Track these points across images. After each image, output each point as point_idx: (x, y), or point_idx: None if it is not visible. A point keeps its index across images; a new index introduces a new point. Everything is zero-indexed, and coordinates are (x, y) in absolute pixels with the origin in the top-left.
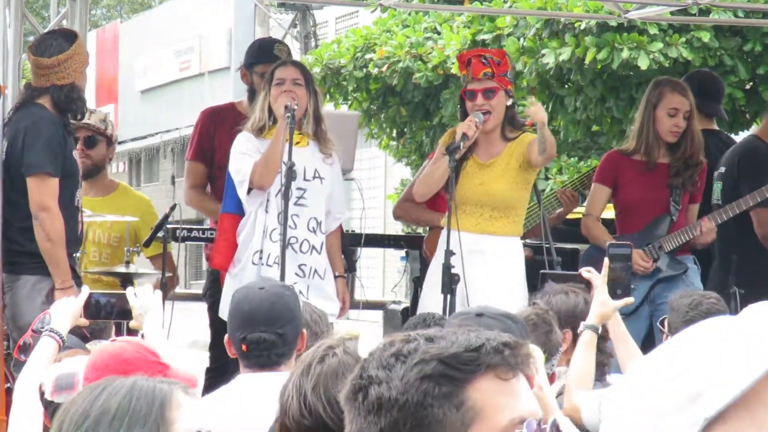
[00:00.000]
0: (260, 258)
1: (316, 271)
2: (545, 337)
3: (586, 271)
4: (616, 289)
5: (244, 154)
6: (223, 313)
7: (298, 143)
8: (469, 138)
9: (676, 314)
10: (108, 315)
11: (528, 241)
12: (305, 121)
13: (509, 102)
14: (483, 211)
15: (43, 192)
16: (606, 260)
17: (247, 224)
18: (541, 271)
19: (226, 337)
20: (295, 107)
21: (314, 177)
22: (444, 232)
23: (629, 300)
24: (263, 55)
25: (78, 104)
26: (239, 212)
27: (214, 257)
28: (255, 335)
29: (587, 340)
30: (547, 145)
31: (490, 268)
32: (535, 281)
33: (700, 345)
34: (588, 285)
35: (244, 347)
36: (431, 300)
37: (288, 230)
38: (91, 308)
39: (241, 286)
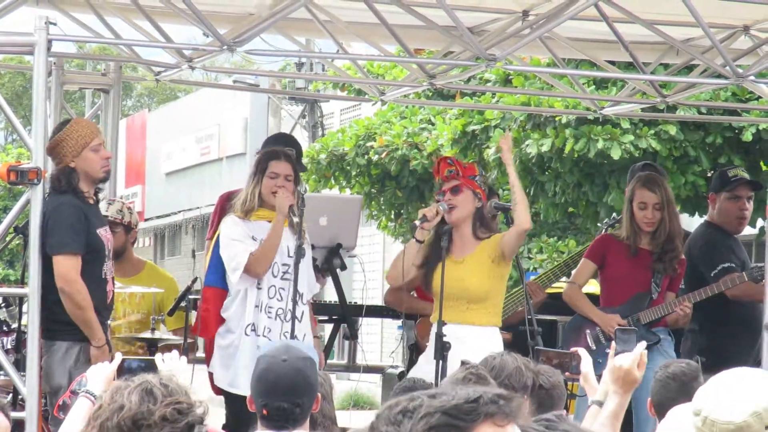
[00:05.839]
0: (252, 329)
1: (295, 337)
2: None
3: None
4: None
5: (235, 240)
6: (219, 380)
7: None
8: (428, 219)
9: (654, 378)
10: None
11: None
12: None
13: (478, 204)
14: (460, 304)
15: (67, 267)
16: (613, 343)
17: (236, 301)
18: (536, 347)
19: (249, 395)
20: (293, 205)
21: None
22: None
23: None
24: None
25: (69, 186)
26: (222, 286)
27: (196, 326)
28: (276, 404)
29: (593, 414)
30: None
31: (470, 356)
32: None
33: None
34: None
35: (265, 412)
36: (424, 369)
37: (276, 302)
38: (124, 372)
39: (234, 355)
